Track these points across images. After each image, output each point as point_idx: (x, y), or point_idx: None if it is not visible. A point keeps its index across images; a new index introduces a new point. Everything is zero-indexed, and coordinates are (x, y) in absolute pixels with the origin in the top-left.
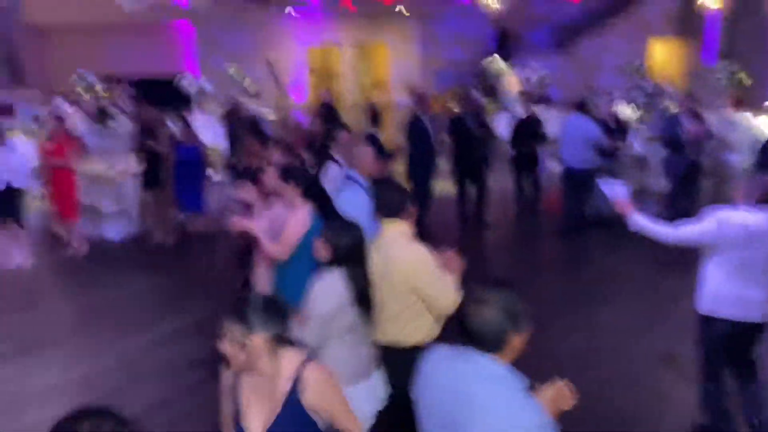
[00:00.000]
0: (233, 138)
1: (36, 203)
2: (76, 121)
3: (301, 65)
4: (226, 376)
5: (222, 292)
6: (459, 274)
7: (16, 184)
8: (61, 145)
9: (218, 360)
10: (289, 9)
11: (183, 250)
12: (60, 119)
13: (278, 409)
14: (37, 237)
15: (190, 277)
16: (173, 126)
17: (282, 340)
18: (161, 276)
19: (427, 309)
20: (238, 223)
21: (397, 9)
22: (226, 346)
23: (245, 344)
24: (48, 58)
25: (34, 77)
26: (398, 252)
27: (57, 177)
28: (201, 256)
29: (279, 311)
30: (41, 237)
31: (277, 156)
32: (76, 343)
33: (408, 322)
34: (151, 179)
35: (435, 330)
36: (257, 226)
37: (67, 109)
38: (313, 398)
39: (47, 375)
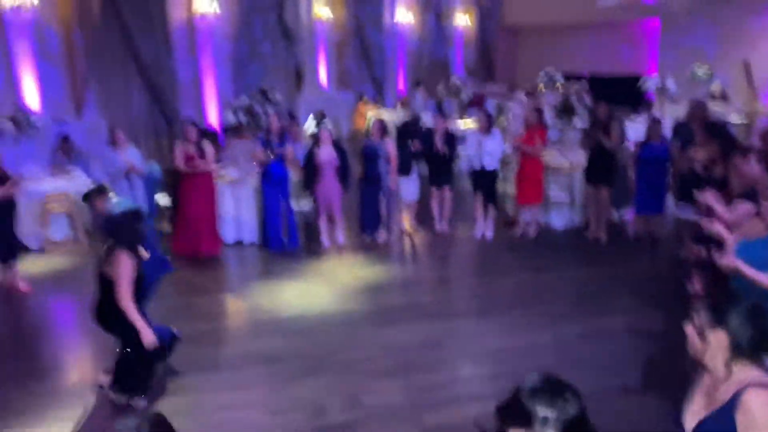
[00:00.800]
0: (688, 140)
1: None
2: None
3: None
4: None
5: (657, 297)
6: None
7: (489, 167)
8: (533, 134)
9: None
10: None
11: (624, 247)
12: (539, 111)
13: (711, 412)
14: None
15: (627, 275)
16: (631, 124)
17: (745, 352)
18: (594, 269)
19: None
20: (714, 227)
21: None
22: (690, 326)
23: (706, 334)
24: (517, 55)
25: (503, 72)
26: None
27: (526, 163)
28: (643, 256)
29: (758, 324)
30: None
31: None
32: (516, 314)
33: None
34: (595, 174)
35: None
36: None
37: (525, 102)
38: (743, 420)
39: (496, 338)
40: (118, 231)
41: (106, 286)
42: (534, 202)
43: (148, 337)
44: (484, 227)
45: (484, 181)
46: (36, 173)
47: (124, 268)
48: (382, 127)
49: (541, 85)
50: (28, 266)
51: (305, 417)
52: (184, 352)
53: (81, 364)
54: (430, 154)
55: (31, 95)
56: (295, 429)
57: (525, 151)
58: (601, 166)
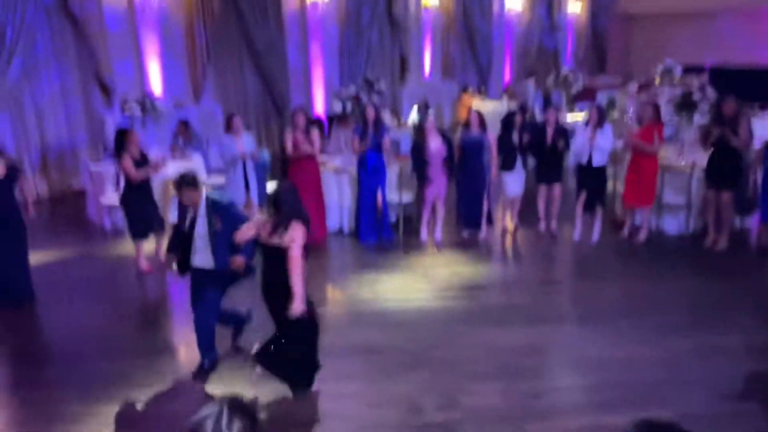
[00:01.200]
0: None
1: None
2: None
3: None
4: None
5: None
6: None
7: (598, 164)
8: (648, 131)
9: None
10: None
11: (746, 259)
12: (655, 106)
13: None
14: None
15: (747, 289)
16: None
17: None
18: (711, 280)
19: None
20: None
21: None
22: None
23: None
24: (630, 45)
25: (615, 64)
26: None
27: (640, 161)
28: (766, 269)
29: None
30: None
31: None
32: (623, 324)
33: None
34: (717, 176)
35: None
36: None
37: (634, 95)
38: None
39: (601, 347)
40: (289, 204)
41: (275, 258)
42: (645, 204)
43: (299, 308)
44: (589, 228)
45: (592, 178)
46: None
47: (300, 235)
48: (481, 118)
49: (658, 78)
50: (152, 246)
51: (402, 413)
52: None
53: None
54: (540, 148)
55: (156, 82)
56: (392, 424)
57: (639, 149)
58: (725, 167)
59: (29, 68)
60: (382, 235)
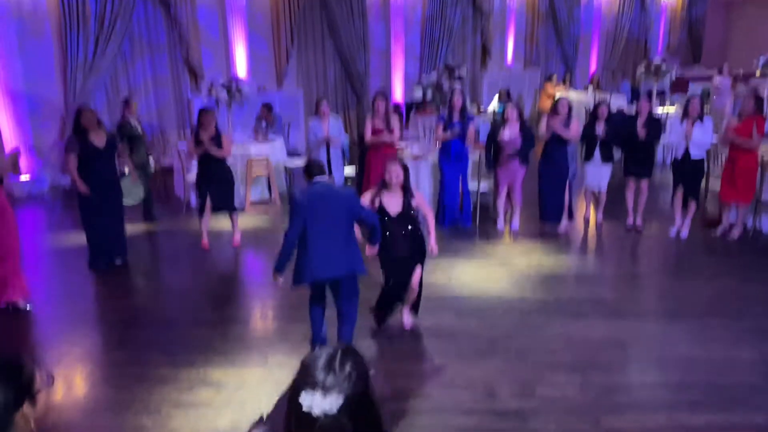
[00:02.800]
0: None
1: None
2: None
3: None
4: None
5: None
6: None
7: (696, 158)
8: (748, 124)
9: None
10: None
11: None
12: (757, 98)
13: None
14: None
15: None
16: None
17: None
18: None
19: None
20: None
21: None
22: None
23: None
24: (729, 34)
25: (710, 54)
26: None
27: (738, 156)
28: None
29: None
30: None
31: None
32: (713, 323)
33: None
34: None
35: None
36: None
37: (726, 85)
38: None
39: (688, 346)
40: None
41: (413, 221)
42: (742, 202)
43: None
44: (681, 225)
45: (689, 173)
46: (242, 139)
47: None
48: (569, 107)
49: (759, 70)
50: (228, 224)
51: (476, 397)
52: (361, 318)
53: (273, 314)
54: (629, 140)
55: (241, 67)
56: (465, 407)
57: (738, 144)
58: None
59: (124, 51)
60: (460, 222)
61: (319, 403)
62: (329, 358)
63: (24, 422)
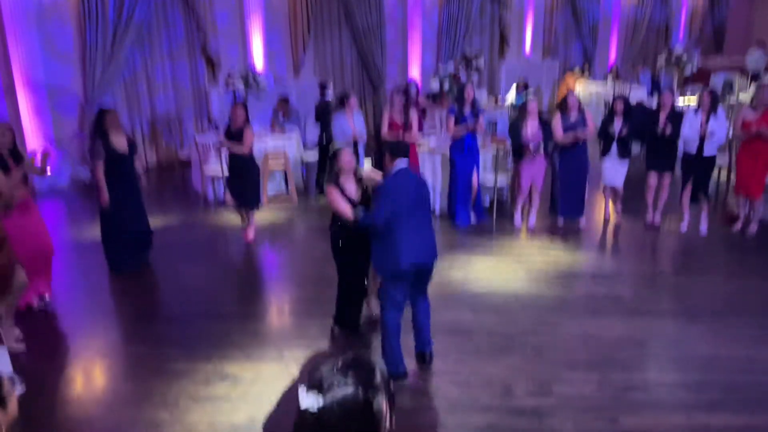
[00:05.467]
0: None
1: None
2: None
3: None
4: None
5: None
6: None
7: (708, 152)
8: (766, 115)
9: None
10: None
11: None
12: None
13: None
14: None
15: None
16: None
17: None
18: None
19: None
20: None
21: None
22: None
23: None
24: (753, 23)
25: (734, 43)
26: None
27: (753, 148)
28: None
29: None
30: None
31: None
32: (734, 322)
33: None
34: None
35: None
36: None
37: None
38: None
39: (708, 345)
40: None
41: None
42: (754, 196)
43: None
44: (697, 221)
45: (699, 167)
46: (259, 132)
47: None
48: (578, 101)
49: None
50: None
51: (492, 395)
52: (375, 315)
53: (289, 309)
54: (651, 134)
55: (258, 58)
56: (481, 405)
57: (758, 134)
58: None
59: (143, 42)
60: (475, 217)
61: (303, 398)
62: (340, 363)
63: None
